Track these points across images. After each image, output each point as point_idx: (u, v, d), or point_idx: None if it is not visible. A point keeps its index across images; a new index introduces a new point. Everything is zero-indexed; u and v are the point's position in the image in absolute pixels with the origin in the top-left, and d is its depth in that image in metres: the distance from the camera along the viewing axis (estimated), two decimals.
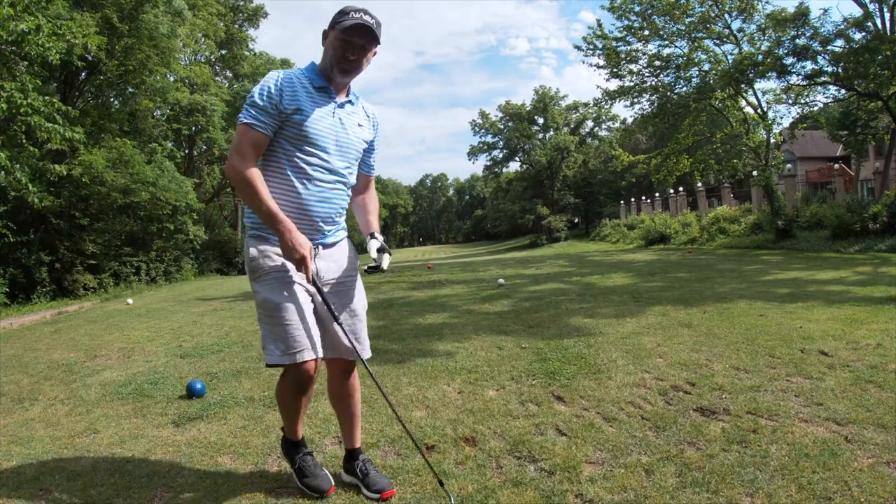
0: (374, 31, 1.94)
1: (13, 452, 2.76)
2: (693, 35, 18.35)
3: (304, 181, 1.97)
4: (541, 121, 54.02)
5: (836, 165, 29.02)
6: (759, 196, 20.99)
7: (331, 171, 2.03)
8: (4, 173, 9.25)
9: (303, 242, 1.89)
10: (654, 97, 20.08)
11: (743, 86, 17.36)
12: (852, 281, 7.29)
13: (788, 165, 23.54)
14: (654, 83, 19.76)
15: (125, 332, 6.50)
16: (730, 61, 17.61)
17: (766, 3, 17.15)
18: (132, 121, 17.37)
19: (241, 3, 27.10)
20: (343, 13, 1.94)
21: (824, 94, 17.66)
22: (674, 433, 2.48)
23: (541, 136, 53.69)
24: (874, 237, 12.82)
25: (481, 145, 56.08)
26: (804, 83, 16.83)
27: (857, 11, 15.84)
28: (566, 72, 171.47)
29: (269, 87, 1.92)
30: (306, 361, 1.95)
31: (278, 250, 1.96)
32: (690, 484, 2.02)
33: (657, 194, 35.05)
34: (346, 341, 2.09)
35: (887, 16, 15.39)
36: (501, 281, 9.23)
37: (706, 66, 18.59)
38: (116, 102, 16.54)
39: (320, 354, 2.00)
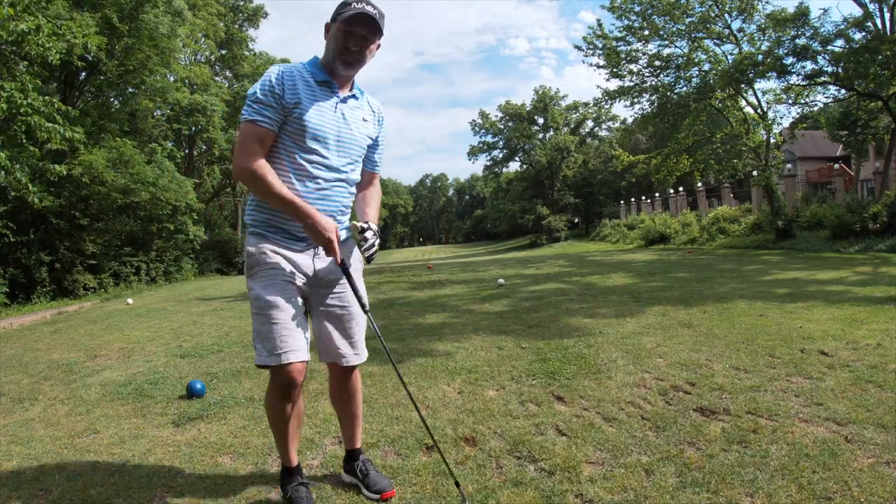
0: (376, 20, 1.89)
1: (13, 452, 2.76)
2: (693, 35, 18.35)
3: (304, 178, 1.93)
4: (541, 121, 54.04)
5: (836, 165, 29.03)
6: (759, 196, 20.99)
7: (331, 169, 1.98)
8: (4, 173, 9.25)
9: (328, 224, 1.87)
10: (654, 97, 20.09)
11: (743, 86, 17.36)
12: (852, 281, 7.29)
13: (788, 165, 23.55)
14: (654, 83, 19.76)
15: (125, 332, 6.50)
16: (730, 61, 17.61)
17: (766, 3, 17.17)
18: (132, 121, 17.38)
19: (241, 3, 27.11)
20: (345, 4, 1.90)
21: (824, 94, 17.67)
22: (674, 433, 2.48)
23: (541, 136, 53.70)
24: (874, 237, 12.82)
25: (481, 145, 56.10)
26: (804, 83, 16.83)
27: (857, 11, 15.87)
28: (566, 72, 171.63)
29: (270, 81, 1.88)
30: (290, 363, 1.88)
31: (277, 248, 1.94)
32: (690, 484, 2.02)
33: (657, 194, 35.06)
34: (339, 346, 2.06)
35: (887, 16, 15.40)
36: (501, 281, 9.23)
37: (706, 66, 18.60)
38: (116, 102, 16.55)
39: (306, 357, 1.93)
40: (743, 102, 18.36)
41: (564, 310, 6.04)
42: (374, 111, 2.13)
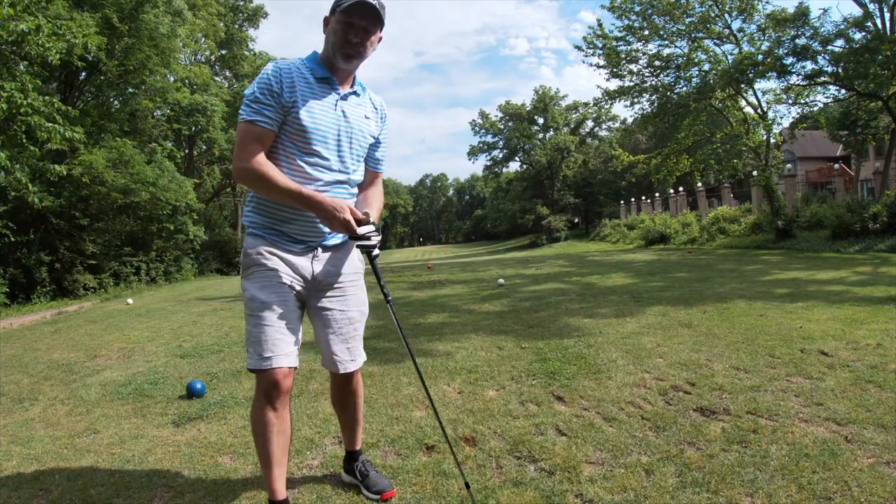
0: (377, 10, 1.81)
1: (13, 452, 2.76)
2: (693, 35, 18.35)
3: (304, 180, 1.85)
4: (541, 121, 54.05)
5: (836, 165, 29.03)
6: (759, 196, 21.00)
7: (332, 170, 1.91)
8: (4, 173, 9.26)
9: (338, 204, 1.79)
10: (654, 97, 20.09)
11: (743, 86, 17.36)
12: (852, 281, 7.29)
13: (788, 165, 23.55)
14: (654, 83, 19.77)
15: (125, 332, 6.50)
16: (730, 61, 17.61)
17: (766, 3, 17.17)
18: (132, 121, 17.37)
19: (241, 3, 27.11)
20: None
21: (824, 94, 17.67)
22: (674, 433, 2.48)
23: (541, 136, 53.71)
24: (874, 237, 12.82)
25: (481, 145, 56.12)
26: (804, 83, 16.83)
27: (858, 11, 15.87)
28: (566, 72, 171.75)
29: (268, 79, 1.80)
30: (274, 369, 1.79)
31: (275, 250, 1.88)
32: (690, 484, 2.02)
33: (657, 194, 35.07)
34: (335, 352, 2.00)
35: (887, 16, 15.40)
36: (501, 281, 9.23)
37: (706, 66, 18.61)
38: (116, 102, 16.55)
39: (293, 364, 1.85)
40: (743, 102, 18.37)
41: (564, 310, 6.04)
42: (376, 108, 2.06)
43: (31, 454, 2.72)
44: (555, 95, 53.47)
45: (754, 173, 18.72)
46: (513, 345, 4.43)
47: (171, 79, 17.89)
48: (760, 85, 33.55)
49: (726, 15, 17.83)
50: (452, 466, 2.27)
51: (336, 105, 1.91)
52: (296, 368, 1.87)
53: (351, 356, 2.04)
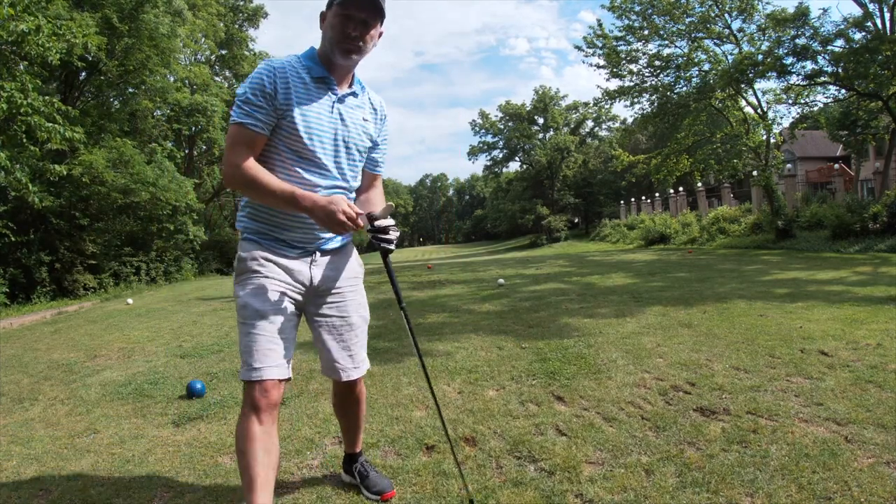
0: (377, 1, 1.71)
1: (13, 452, 2.76)
2: (693, 35, 18.35)
3: (299, 186, 1.75)
4: (541, 121, 54.05)
5: (836, 165, 29.03)
6: (759, 196, 20.99)
7: (329, 176, 1.81)
8: (4, 173, 9.26)
9: (335, 200, 1.65)
10: (654, 97, 20.09)
11: (743, 86, 17.36)
12: (852, 281, 7.29)
13: (788, 165, 23.55)
14: (654, 83, 19.76)
15: (125, 332, 6.50)
16: (730, 61, 17.61)
17: (767, 3, 17.17)
18: (132, 121, 17.37)
19: (241, 3, 27.09)
20: None
21: (824, 94, 17.67)
22: (674, 433, 2.48)
23: (541, 136, 53.71)
24: (874, 237, 12.82)
25: (481, 145, 56.12)
26: (804, 83, 16.83)
27: (857, 11, 15.87)
28: (566, 72, 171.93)
29: (261, 80, 1.69)
30: (263, 381, 1.68)
31: (271, 255, 1.80)
32: (690, 484, 2.02)
33: (657, 194, 35.06)
34: (337, 359, 1.93)
35: (887, 16, 15.39)
36: (501, 281, 9.23)
37: (706, 66, 18.60)
38: (116, 102, 16.55)
39: (285, 375, 1.74)
40: (743, 102, 18.36)
41: (564, 310, 6.04)
42: (375, 109, 1.95)
43: (31, 454, 2.72)
44: (555, 95, 53.47)
45: (754, 173, 18.71)
46: (513, 345, 4.43)
47: (171, 79, 17.90)
48: (760, 85, 33.62)
49: (726, 15, 17.83)
50: (452, 466, 2.27)
51: (333, 108, 1.80)
52: (289, 380, 1.78)
53: (354, 363, 1.97)
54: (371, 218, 1.78)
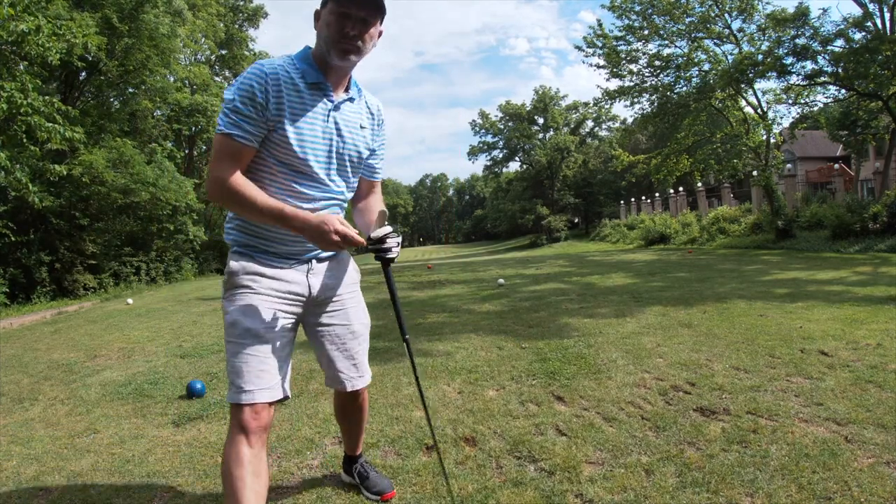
0: None
1: (13, 452, 2.76)
2: (693, 35, 18.35)
3: (292, 201, 1.66)
4: (541, 121, 54.05)
5: (836, 165, 29.03)
6: (759, 196, 20.99)
7: (325, 188, 1.71)
8: (4, 173, 9.26)
9: (328, 220, 1.55)
10: (654, 97, 20.09)
11: (743, 86, 17.36)
12: (852, 281, 7.28)
13: (788, 165, 23.55)
14: (654, 83, 19.76)
15: (125, 332, 6.50)
16: (730, 61, 17.62)
17: (767, 3, 17.18)
18: (132, 121, 17.38)
19: (241, 3, 27.10)
20: None
21: (824, 94, 17.66)
22: (674, 433, 2.48)
23: (541, 136, 53.72)
24: (874, 237, 12.82)
25: (481, 145, 56.12)
26: (804, 83, 16.83)
27: (857, 11, 15.87)
28: (566, 72, 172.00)
29: (251, 87, 1.56)
30: (254, 404, 1.58)
31: (265, 269, 1.69)
32: (690, 484, 2.02)
33: (657, 194, 35.06)
34: (340, 369, 1.87)
35: (887, 16, 15.39)
36: (501, 281, 9.23)
37: (706, 66, 18.60)
38: (116, 102, 16.56)
39: (278, 396, 1.64)
40: (743, 102, 18.36)
41: (564, 310, 6.04)
42: (372, 114, 1.84)
43: (31, 454, 2.72)
44: (555, 95, 53.47)
45: (754, 173, 18.71)
46: (513, 345, 4.43)
47: (171, 79, 17.91)
48: (760, 85, 33.60)
49: (726, 15, 17.83)
50: (452, 466, 2.27)
51: (328, 116, 1.68)
52: (285, 398, 1.69)
53: (358, 372, 1.91)
54: (368, 238, 1.71)
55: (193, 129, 21.22)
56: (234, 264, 1.70)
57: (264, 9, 27.61)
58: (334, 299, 1.85)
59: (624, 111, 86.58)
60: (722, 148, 17.89)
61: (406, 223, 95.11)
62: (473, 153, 56.67)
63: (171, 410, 3.29)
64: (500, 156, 56.45)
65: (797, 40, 16.10)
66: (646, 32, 18.75)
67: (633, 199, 38.73)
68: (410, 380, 3.56)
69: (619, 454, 2.31)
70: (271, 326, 1.66)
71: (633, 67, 19.71)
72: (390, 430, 2.73)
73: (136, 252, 15.61)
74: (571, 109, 53.59)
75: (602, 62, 19.77)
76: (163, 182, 15.02)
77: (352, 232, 1.58)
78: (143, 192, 14.36)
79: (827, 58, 16.06)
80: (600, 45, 19.41)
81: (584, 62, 37.93)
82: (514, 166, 57.60)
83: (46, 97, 9.57)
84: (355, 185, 1.86)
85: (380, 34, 1.67)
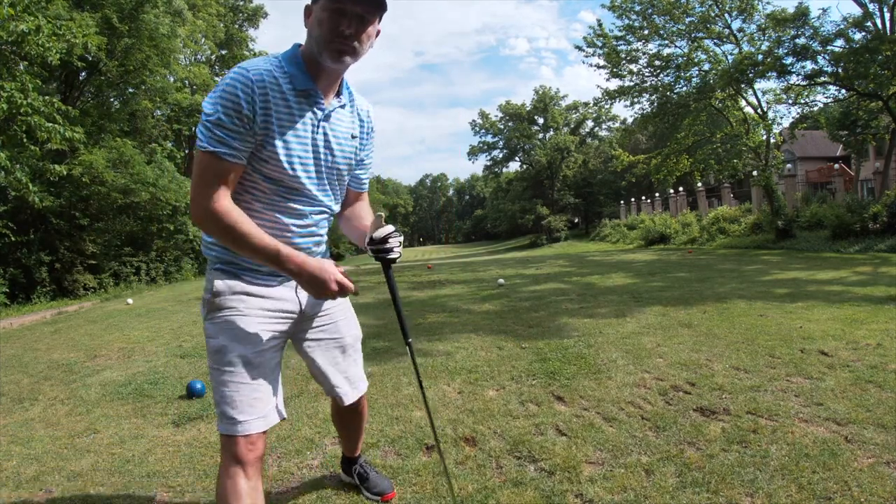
0: None
1: (13, 452, 2.76)
2: (693, 35, 18.36)
3: (282, 217, 1.56)
4: (541, 121, 54.06)
5: (836, 165, 29.02)
6: (759, 196, 20.99)
7: (315, 203, 1.60)
8: (5, 173, 9.26)
9: (326, 267, 1.47)
10: (654, 97, 20.09)
11: (743, 86, 17.36)
12: (852, 281, 7.28)
13: (788, 165, 23.54)
14: (654, 83, 19.77)
15: (125, 332, 6.50)
16: (730, 61, 17.62)
17: (767, 3, 17.18)
18: (132, 121, 17.39)
19: (241, 3, 27.11)
20: None
21: (824, 94, 17.67)
22: (674, 433, 2.48)
23: (541, 136, 53.72)
24: (874, 237, 12.82)
25: (481, 145, 56.14)
26: (804, 83, 16.83)
27: (857, 11, 15.87)
28: (566, 72, 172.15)
29: (237, 97, 1.39)
30: (249, 435, 1.49)
31: (250, 288, 1.56)
32: (690, 484, 2.02)
33: (657, 194, 35.05)
34: (336, 384, 1.81)
35: (887, 16, 15.39)
36: (501, 281, 9.23)
37: (706, 66, 18.61)
38: (116, 102, 16.57)
39: (273, 423, 1.55)
40: (743, 102, 18.37)
41: (564, 310, 6.04)
42: (363, 121, 1.69)
43: (31, 454, 2.72)
44: (555, 95, 53.48)
45: (754, 173, 18.72)
46: (513, 345, 4.43)
47: (171, 79, 17.92)
48: (760, 85, 33.56)
49: (726, 15, 17.83)
50: (452, 466, 2.27)
51: (318, 127, 1.54)
52: (284, 419, 1.62)
53: (351, 385, 1.85)
54: (370, 238, 1.63)
55: (193, 128, 21.22)
56: (219, 283, 1.56)
57: (264, 9, 27.63)
58: (322, 313, 1.75)
59: (624, 111, 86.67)
60: (722, 148, 17.89)
61: (406, 223, 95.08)
62: (473, 153, 56.70)
63: (171, 410, 3.29)
64: (500, 156, 56.49)
65: (797, 40, 16.11)
66: (646, 32, 18.76)
67: (633, 199, 38.73)
68: (410, 380, 3.56)
69: (619, 454, 2.31)
70: (263, 350, 1.55)
71: (633, 67, 19.73)
72: (390, 430, 2.73)
73: (136, 252, 15.62)
74: (571, 109, 53.60)
75: (602, 62, 19.78)
76: (163, 182, 15.02)
77: (349, 282, 1.49)
78: (143, 192, 14.36)
79: (827, 58, 16.08)
80: (600, 44, 19.42)
81: (584, 62, 37.95)
82: (514, 166, 57.69)
83: (46, 97, 9.57)
84: (343, 196, 1.75)
85: (377, 34, 1.51)
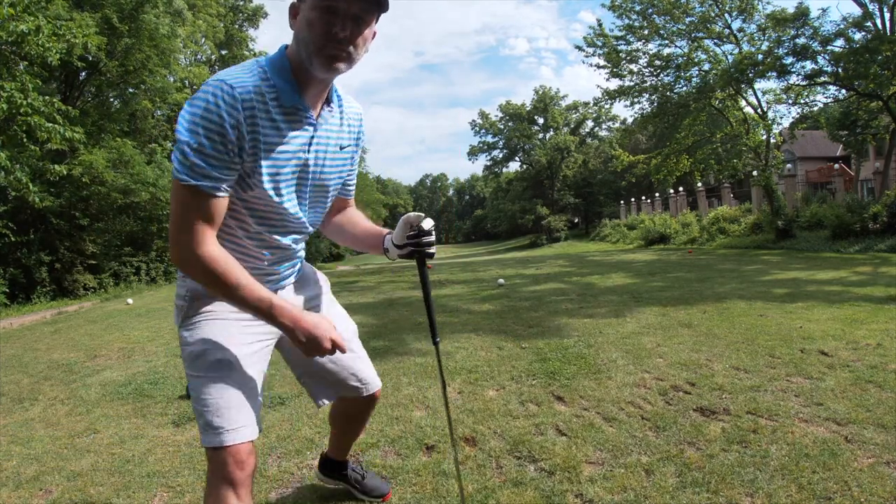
0: None
1: (13, 452, 2.76)
2: (693, 35, 18.38)
3: (260, 249, 1.43)
4: (541, 121, 54.05)
5: (836, 165, 29.01)
6: (759, 196, 20.99)
7: (295, 231, 1.46)
8: (5, 173, 9.26)
9: (323, 324, 1.32)
10: (654, 97, 20.12)
11: (743, 86, 17.37)
12: (852, 281, 7.28)
13: (788, 165, 23.54)
14: (654, 83, 19.79)
15: (125, 332, 6.50)
16: (730, 61, 17.63)
17: (767, 3, 17.19)
18: (132, 121, 17.40)
19: (241, 4, 27.13)
20: None
21: (824, 94, 17.68)
22: (674, 433, 2.48)
23: (541, 136, 53.72)
24: (874, 237, 12.82)
25: (481, 145, 56.12)
26: (804, 83, 16.84)
27: (857, 11, 15.88)
28: (566, 72, 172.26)
29: (220, 119, 1.19)
30: (239, 445, 1.33)
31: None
32: (690, 484, 2.02)
33: (657, 194, 35.05)
34: (349, 380, 1.70)
35: (887, 16, 15.40)
36: (501, 281, 9.23)
37: (706, 66, 18.62)
38: (116, 102, 16.58)
39: (258, 432, 1.40)
40: (743, 102, 18.38)
41: (564, 310, 6.04)
42: (351, 126, 1.50)
43: (31, 454, 2.72)
44: (555, 95, 53.47)
45: (754, 173, 18.72)
46: (513, 345, 4.43)
47: (171, 79, 17.92)
48: (760, 85, 33.55)
49: (726, 15, 17.84)
50: (452, 466, 2.27)
51: (308, 148, 1.36)
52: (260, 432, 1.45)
53: (364, 380, 1.74)
54: (409, 221, 1.50)
55: None
56: (190, 288, 1.42)
57: (264, 9, 27.67)
58: (309, 308, 1.63)
59: (624, 111, 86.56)
60: (722, 148, 17.91)
61: None
62: (473, 153, 56.67)
63: (171, 410, 3.29)
64: (500, 156, 56.47)
65: (797, 40, 16.13)
66: (646, 32, 18.77)
67: (633, 199, 38.71)
68: (410, 380, 3.56)
69: (619, 454, 2.31)
70: (247, 354, 1.42)
71: (634, 67, 19.76)
72: (390, 430, 2.73)
73: (136, 252, 15.62)
74: (571, 109, 53.59)
75: (602, 62, 19.81)
76: (163, 182, 15.02)
77: (342, 341, 1.35)
78: (143, 192, 14.38)
79: (827, 58, 16.09)
80: (600, 44, 19.44)
81: (584, 62, 38.05)
82: (514, 166, 57.67)
83: (46, 97, 9.57)
84: (326, 210, 1.58)
85: (373, 36, 1.32)
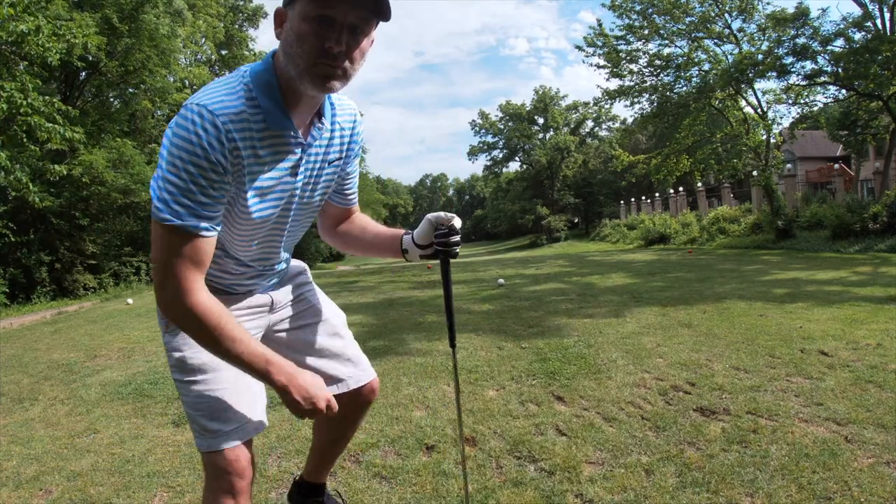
0: None
1: (13, 452, 2.76)
2: (693, 35, 18.39)
3: (240, 268, 1.35)
4: (541, 121, 54.06)
5: (836, 165, 29.01)
6: (759, 196, 21.00)
7: (285, 249, 1.41)
8: (5, 173, 9.26)
9: (319, 384, 1.23)
10: (654, 97, 20.12)
11: (743, 86, 17.38)
12: (852, 281, 7.28)
13: (788, 165, 23.54)
14: (654, 83, 19.79)
15: (125, 332, 6.50)
16: (730, 61, 17.63)
17: (767, 3, 17.20)
18: (132, 121, 17.40)
19: (241, 4, 27.13)
20: None
21: (824, 94, 17.69)
22: (674, 433, 2.48)
23: (541, 136, 53.72)
24: (874, 237, 12.82)
25: (481, 145, 56.13)
26: (804, 83, 16.85)
27: (857, 11, 15.88)
28: (566, 72, 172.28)
29: (207, 150, 1.05)
30: (238, 446, 1.26)
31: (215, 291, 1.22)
32: (690, 484, 2.02)
33: (657, 194, 35.06)
34: (343, 366, 1.56)
35: (887, 16, 15.41)
36: (501, 281, 9.23)
37: (706, 66, 18.63)
38: (116, 103, 16.58)
39: (262, 428, 1.34)
40: (743, 102, 18.39)
41: (564, 310, 6.04)
42: (342, 135, 1.33)
43: (31, 454, 2.72)
44: (555, 95, 53.47)
45: (754, 173, 18.73)
46: (513, 345, 4.43)
47: (172, 79, 17.92)
48: (760, 85, 33.55)
49: (726, 15, 17.85)
50: (452, 466, 2.27)
51: (299, 170, 1.23)
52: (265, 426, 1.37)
53: (357, 366, 1.59)
54: (439, 220, 1.42)
55: None
56: None
57: (264, 9, 27.67)
58: (294, 301, 1.55)
59: (624, 111, 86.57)
60: (722, 148, 17.91)
61: (406, 223, 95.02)
62: (473, 153, 56.68)
63: (171, 410, 3.29)
64: (500, 156, 56.47)
65: (797, 40, 16.14)
66: (646, 32, 18.79)
67: (633, 199, 38.71)
68: (410, 380, 3.56)
69: (619, 454, 2.31)
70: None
71: (634, 67, 19.78)
72: (390, 430, 2.73)
73: (136, 252, 15.63)
74: (571, 109, 53.60)
75: (602, 62, 19.82)
76: None
77: (335, 403, 1.25)
78: (143, 192, 14.36)
79: (827, 58, 16.11)
80: (600, 44, 19.45)
81: (584, 62, 38.08)
82: (514, 166, 57.67)
83: (46, 97, 9.57)
84: (308, 226, 1.47)
85: (371, 41, 1.15)
